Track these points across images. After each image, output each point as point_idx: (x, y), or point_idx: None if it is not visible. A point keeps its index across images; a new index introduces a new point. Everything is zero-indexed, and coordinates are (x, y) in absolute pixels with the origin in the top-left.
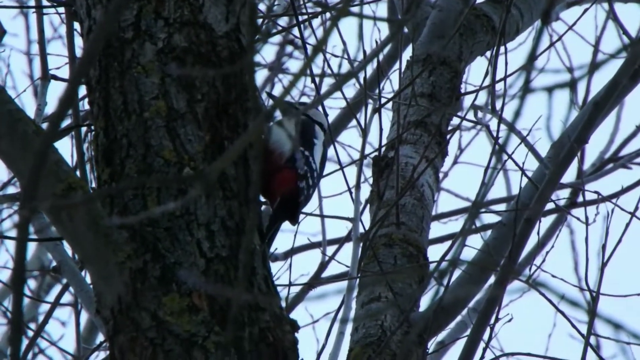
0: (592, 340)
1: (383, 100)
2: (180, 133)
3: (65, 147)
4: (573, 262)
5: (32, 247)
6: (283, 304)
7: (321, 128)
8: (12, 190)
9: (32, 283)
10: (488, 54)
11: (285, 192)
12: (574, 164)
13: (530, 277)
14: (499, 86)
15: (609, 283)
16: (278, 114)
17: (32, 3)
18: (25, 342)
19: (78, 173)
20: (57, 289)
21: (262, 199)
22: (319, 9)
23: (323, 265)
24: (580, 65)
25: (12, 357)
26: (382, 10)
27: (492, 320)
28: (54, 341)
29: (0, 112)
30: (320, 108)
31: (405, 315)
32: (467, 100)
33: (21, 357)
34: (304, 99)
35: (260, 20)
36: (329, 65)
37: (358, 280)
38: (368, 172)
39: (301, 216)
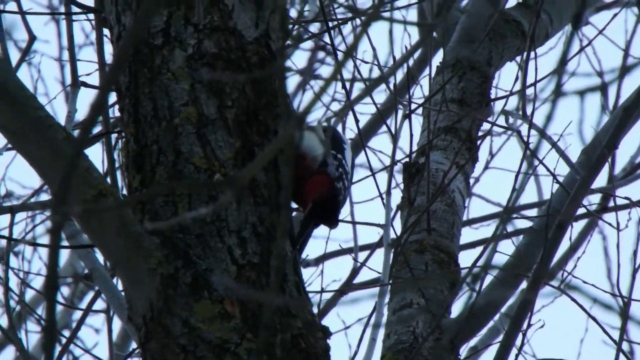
0: (625, 346)
1: (413, 106)
2: (211, 139)
3: (95, 154)
4: (605, 268)
5: (64, 254)
6: (315, 310)
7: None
8: (43, 197)
9: (65, 290)
10: (518, 58)
11: (320, 196)
12: (605, 169)
13: (562, 282)
14: (529, 91)
15: None
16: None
17: (63, 10)
18: (58, 349)
19: (108, 180)
20: (90, 295)
21: (294, 204)
22: (350, 15)
23: (355, 272)
24: (611, 69)
25: None
26: (412, 15)
27: (525, 326)
28: (88, 348)
29: (31, 119)
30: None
31: (437, 321)
32: (498, 106)
33: None
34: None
35: (290, 26)
36: (359, 71)
37: (390, 286)
38: (399, 178)
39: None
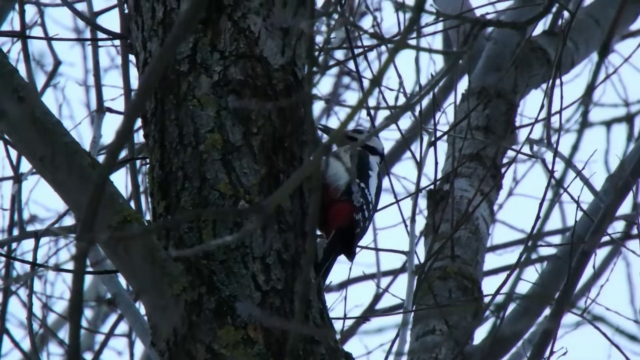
0: None
1: (438, 133)
2: (236, 166)
3: (120, 180)
4: (629, 295)
5: (88, 277)
6: (337, 336)
7: (376, 152)
8: (68, 221)
9: (88, 313)
10: (543, 86)
11: (341, 225)
12: (629, 196)
13: (585, 309)
14: (555, 119)
15: None
16: (334, 147)
17: (88, 34)
18: None
19: (132, 205)
20: (112, 319)
21: (318, 232)
22: (375, 42)
23: (377, 297)
24: (638, 99)
25: None
26: (438, 43)
27: (547, 354)
28: None
29: (57, 145)
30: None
31: (460, 348)
32: (523, 134)
33: None
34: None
35: (316, 53)
36: (384, 98)
37: (413, 313)
38: (423, 204)
39: (357, 249)
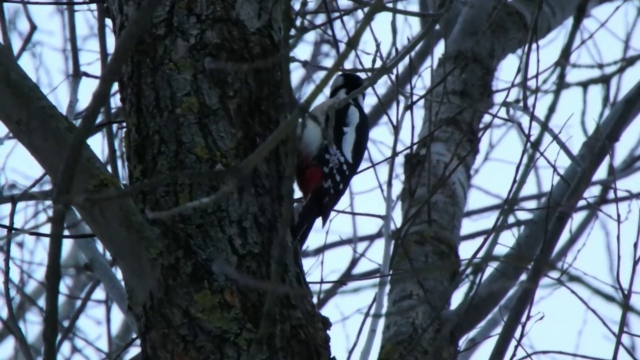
0: (626, 338)
1: (415, 98)
2: (213, 130)
3: (96, 144)
4: (608, 260)
5: (66, 245)
6: (314, 301)
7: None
8: (45, 187)
9: (68, 282)
10: (520, 51)
11: (314, 190)
12: (605, 161)
13: (562, 273)
14: (531, 83)
15: None
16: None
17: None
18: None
19: (109, 169)
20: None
21: (298, 194)
22: (352, 6)
23: (354, 262)
24: (614, 61)
25: (47, 354)
26: (414, 7)
27: (524, 318)
28: (89, 339)
29: (34, 109)
30: (354, 102)
31: (436, 313)
32: (499, 98)
33: (55, 354)
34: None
35: (293, 17)
36: (360, 62)
37: (390, 277)
38: (399, 169)
39: (332, 214)
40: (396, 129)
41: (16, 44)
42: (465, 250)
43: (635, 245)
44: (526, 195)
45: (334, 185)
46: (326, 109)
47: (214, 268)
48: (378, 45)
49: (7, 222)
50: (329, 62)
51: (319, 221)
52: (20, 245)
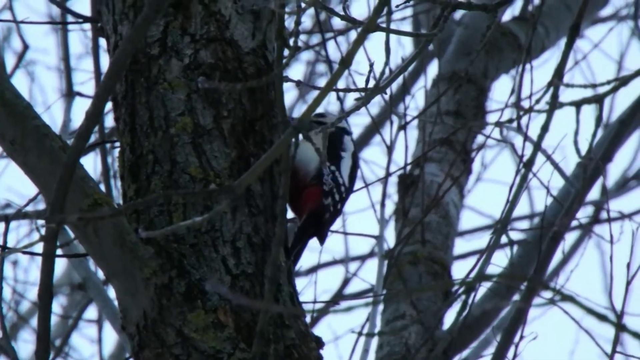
0: (619, 358)
1: (408, 118)
2: (207, 149)
3: (89, 163)
4: (603, 281)
5: (61, 264)
6: (308, 320)
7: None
8: (40, 206)
9: (63, 301)
10: (513, 71)
11: (312, 210)
12: (598, 181)
13: (556, 292)
14: (525, 104)
15: (636, 302)
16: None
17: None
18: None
19: (103, 189)
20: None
21: (290, 215)
22: (347, 26)
23: (346, 282)
24: (607, 81)
25: None
26: (407, 27)
27: (517, 338)
28: (82, 359)
29: (28, 128)
30: (345, 123)
31: (430, 333)
32: (493, 118)
33: None
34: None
35: (288, 36)
36: (354, 82)
37: (383, 297)
38: (393, 189)
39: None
40: (389, 149)
41: (9, 62)
42: (458, 270)
43: (628, 265)
44: (519, 216)
45: (333, 204)
46: (319, 130)
47: (208, 287)
48: (371, 65)
49: (0, 241)
50: (323, 82)
51: (315, 240)
52: (14, 264)
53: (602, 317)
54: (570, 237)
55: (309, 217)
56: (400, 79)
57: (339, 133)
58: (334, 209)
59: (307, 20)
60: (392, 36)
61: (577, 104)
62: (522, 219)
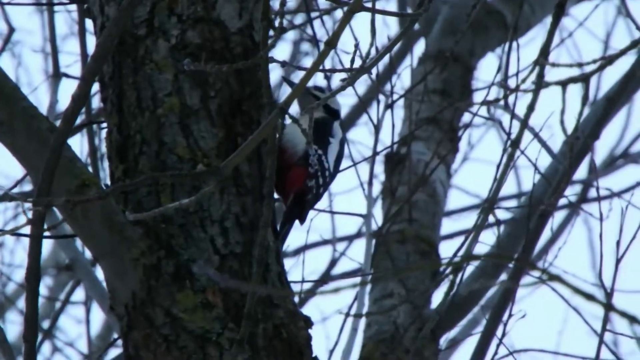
0: (608, 336)
1: (395, 97)
2: (194, 130)
3: (76, 144)
4: (591, 259)
5: (47, 245)
6: (296, 300)
7: (334, 112)
8: (26, 187)
9: (48, 281)
10: (500, 49)
11: (298, 190)
12: (585, 159)
13: (544, 271)
14: (511, 82)
15: (625, 280)
16: (292, 110)
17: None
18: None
19: (90, 170)
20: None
21: (276, 195)
22: (332, 5)
23: (334, 262)
24: (593, 60)
25: (27, 355)
26: (393, 7)
27: (506, 317)
28: (70, 340)
29: (15, 109)
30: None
31: (418, 312)
32: (479, 97)
33: (35, 355)
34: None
35: (273, 17)
36: (340, 62)
37: (371, 276)
38: (380, 168)
39: (313, 213)
40: (376, 128)
41: None
42: (446, 250)
43: (618, 243)
44: (506, 195)
45: (316, 187)
46: (305, 111)
47: (195, 270)
48: (357, 45)
49: None
50: (309, 61)
51: (297, 221)
52: (0, 246)
53: (590, 297)
54: (558, 215)
55: (296, 198)
56: (386, 59)
57: (328, 120)
58: (316, 192)
59: (292, 0)
60: (378, 16)
61: (563, 84)
62: (510, 198)
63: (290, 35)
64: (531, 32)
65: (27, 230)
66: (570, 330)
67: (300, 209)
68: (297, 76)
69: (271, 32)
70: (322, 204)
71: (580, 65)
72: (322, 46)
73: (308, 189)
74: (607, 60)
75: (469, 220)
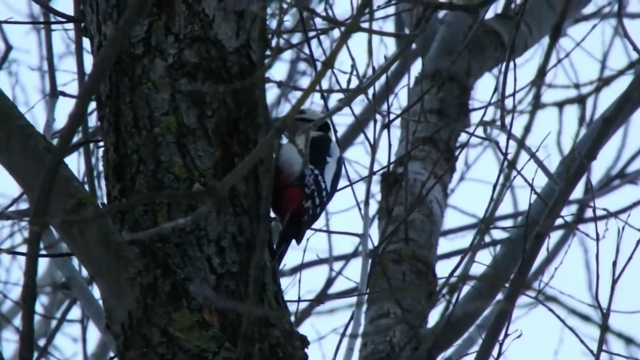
0: (605, 357)
1: (392, 117)
2: (191, 149)
3: (73, 163)
4: (587, 279)
5: (43, 263)
6: (292, 319)
7: (327, 128)
8: (23, 206)
9: (44, 300)
10: (496, 69)
11: (293, 210)
12: (582, 180)
13: (540, 292)
14: (508, 102)
15: (622, 300)
16: (288, 130)
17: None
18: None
19: (87, 189)
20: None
21: (273, 215)
22: (330, 25)
23: (330, 281)
24: (590, 81)
25: None
26: (390, 27)
27: (501, 337)
28: (65, 359)
29: (12, 128)
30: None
31: (414, 331)
32: (476, 117)
33: None
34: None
35: (270, 37)
36: (337, 81)
37: (367, 296)
38: (376, 188)
39: (309, 233)
40: (373, 148)
41: None
42: (442, 269)
43: (614, 264)
44: (503, 215)
45: (313, 207)
46: (302, 130)
47: (192, 289)
48: (353, 66)
49: None
50: (306, 81)
51: (293, 241)
52: None
53: (586, 318)
54: (554, 236)
55: (292, 218)
56: (383, 78)
57: (325, 138)
58: (312, 212)
59: (289, 19)
60: (375, 35)
61: (560, 104)
62: (506, 217)
63: (287, 54)
64: (528, 52)
65: (23, 248)
66: (566, 350)
67: (297, 229)
68: (294, 96)
69: (268, 52)
70: (319, 223)
71: (577, 86)
72: (319, 66)
73: (304, 210)
74: (604, 82)
75: (465, 240)
